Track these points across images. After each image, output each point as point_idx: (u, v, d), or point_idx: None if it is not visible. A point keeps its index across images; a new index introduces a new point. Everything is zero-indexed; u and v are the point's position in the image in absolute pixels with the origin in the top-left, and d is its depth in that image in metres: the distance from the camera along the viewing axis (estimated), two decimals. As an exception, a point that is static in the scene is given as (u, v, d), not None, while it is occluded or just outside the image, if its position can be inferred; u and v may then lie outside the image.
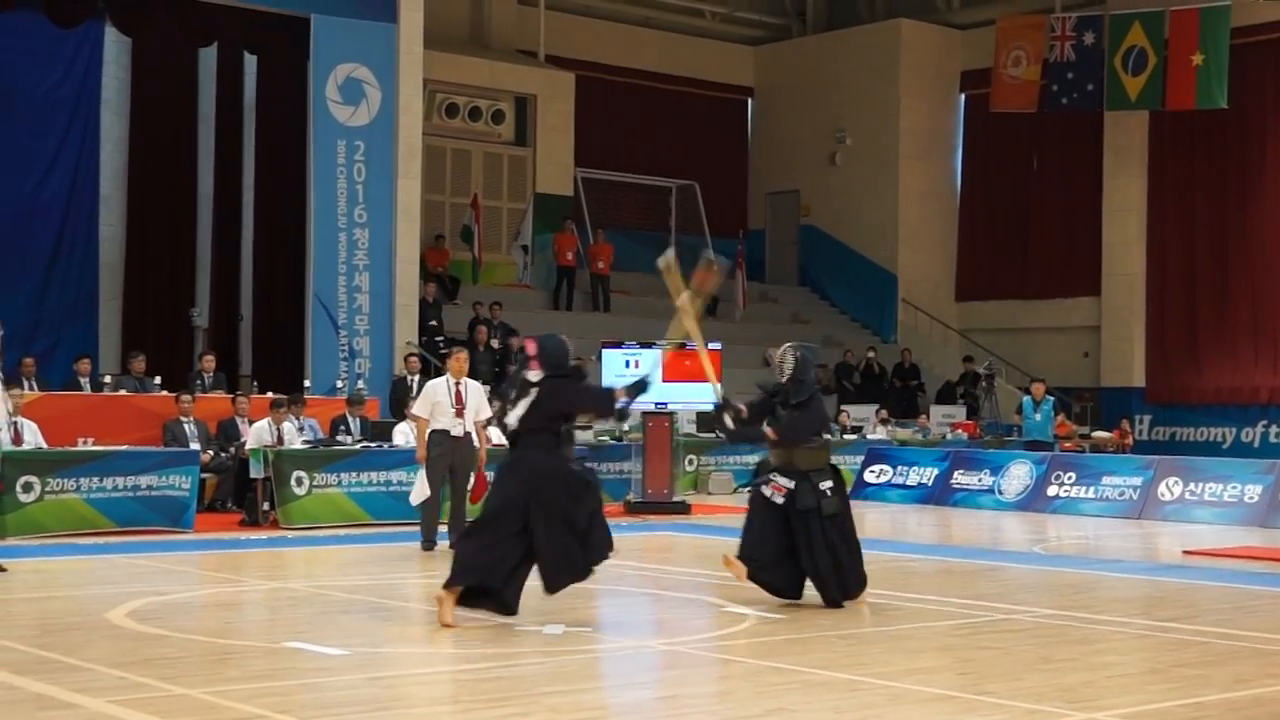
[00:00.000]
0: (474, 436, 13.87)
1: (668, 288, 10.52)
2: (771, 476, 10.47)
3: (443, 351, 20.26)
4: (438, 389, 13.80)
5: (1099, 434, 25.90)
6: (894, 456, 21.91)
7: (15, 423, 15.53)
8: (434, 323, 23.57)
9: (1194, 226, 28.11)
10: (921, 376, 28.69)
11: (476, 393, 13.96)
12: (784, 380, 10.60)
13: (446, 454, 13.71)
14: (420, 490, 13.88)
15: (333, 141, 21.18)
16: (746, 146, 33.26)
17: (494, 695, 7.34)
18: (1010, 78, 28.39)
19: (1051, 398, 22.22)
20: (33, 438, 15.69)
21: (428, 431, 13.75)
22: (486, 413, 14.13)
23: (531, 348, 9.80)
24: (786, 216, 32.54)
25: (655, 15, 31.21)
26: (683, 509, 18.74)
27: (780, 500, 10.31)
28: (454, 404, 13.65)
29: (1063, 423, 23.66)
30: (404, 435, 17.01)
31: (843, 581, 10.33)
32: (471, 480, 13.99)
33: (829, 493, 10.30)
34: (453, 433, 13.67)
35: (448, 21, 27.13)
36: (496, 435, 17.48)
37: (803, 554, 10.25)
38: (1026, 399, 21.96)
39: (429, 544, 13.86)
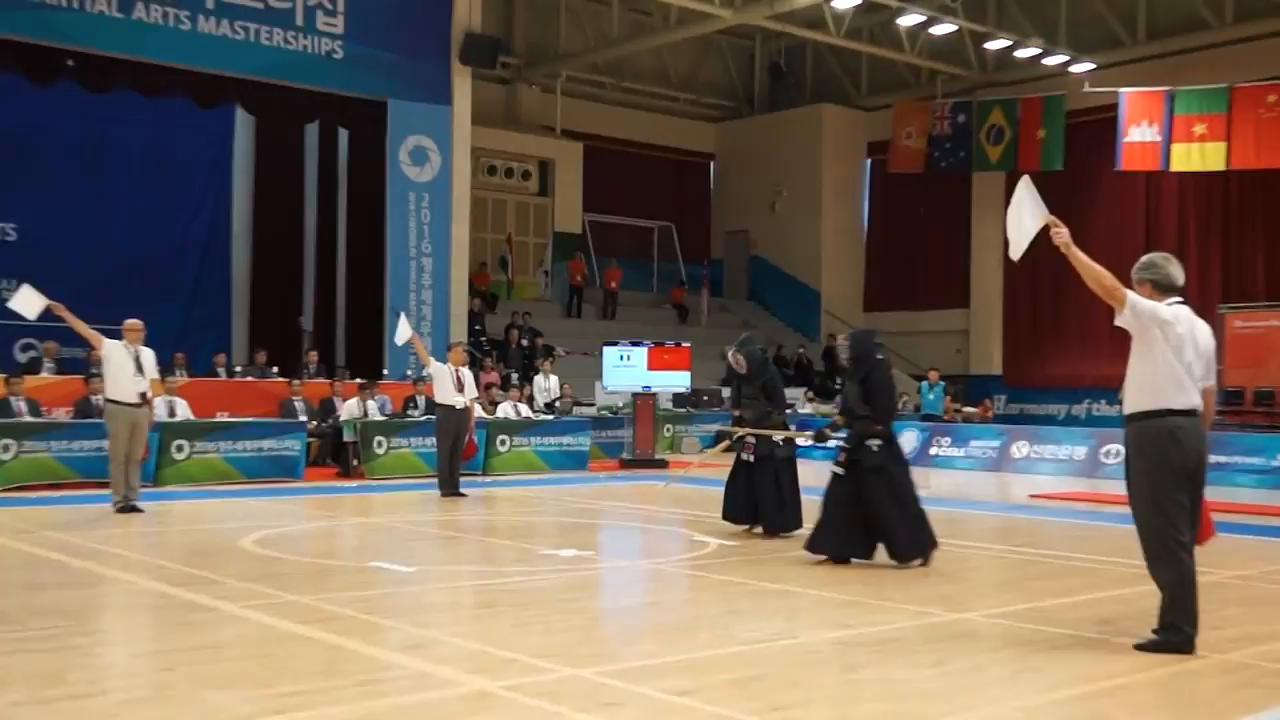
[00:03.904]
0: (468, 410, 13.98)
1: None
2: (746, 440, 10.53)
3: (451, 343, 20.00)
4: (443, 371, 13.91)
5: (968, 409, 25.90)
6: (814, 426, 21.75)
7: (170, 402, 15.55)
8: (478, 327, 23.61)
9: (1038, 257, 27.77)
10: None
11: (469, 378, 14.14)
12: (743, 373, 10.60)
13: (452, 422, 13.76)
14: (402, 331, 14.23)
15: (405, 194, 21.14)
16: (710, 197, 33.21)
17: (520, 601, 7.37)
18: (904, 146, 28.39)
19: (943, 382, 22.26)
20: (184, 412, 15.69)
21: (435, 397, 13.98)
22: (473, 393, 14.27)
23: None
24: (739, 249, 32.50)
25: (643, 100, 31.16)
26: (662, 464, 18.76)
27: (750, 457, 10.49)
28: (456, 385, 13.78)
29: (950, 401, 23.67)
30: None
31: (783, 518, 10.38)
32: (464, 442, 14.07)
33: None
34: (456, 406, 13.78)
35: (489, 104, 27.08)
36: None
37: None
38: (924, 383, 21.99)
39: (449, 490, 13.79)
